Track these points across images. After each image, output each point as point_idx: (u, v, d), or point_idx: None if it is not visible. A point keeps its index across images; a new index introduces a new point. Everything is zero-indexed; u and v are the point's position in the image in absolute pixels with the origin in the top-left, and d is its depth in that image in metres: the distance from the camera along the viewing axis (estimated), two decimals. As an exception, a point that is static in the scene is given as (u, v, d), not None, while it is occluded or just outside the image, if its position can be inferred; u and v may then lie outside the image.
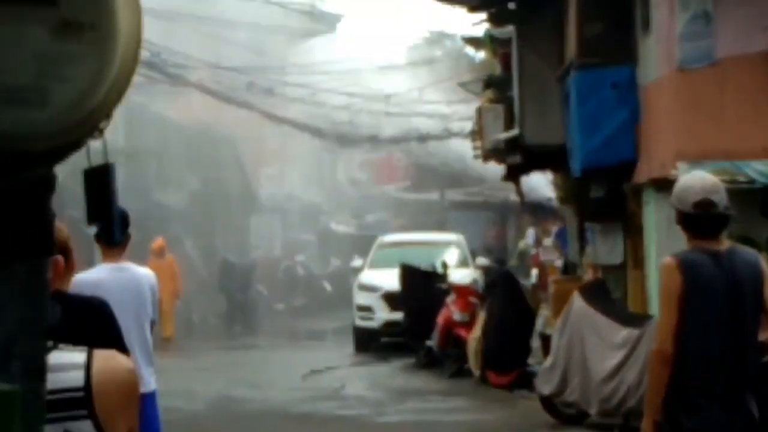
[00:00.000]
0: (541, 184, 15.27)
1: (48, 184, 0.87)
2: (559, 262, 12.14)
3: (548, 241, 12.87)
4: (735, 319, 3.32)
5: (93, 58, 0.79)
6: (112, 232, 1.05)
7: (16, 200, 0.82)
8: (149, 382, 4.71)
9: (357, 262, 16.26)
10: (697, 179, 3.52)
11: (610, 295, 8.59)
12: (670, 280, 3.33)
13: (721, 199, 3.32)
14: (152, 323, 4.87)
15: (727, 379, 3.29)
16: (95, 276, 4.59)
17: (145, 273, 4.93)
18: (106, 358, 1.61)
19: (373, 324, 14.15)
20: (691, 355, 3.27)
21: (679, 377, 3.24)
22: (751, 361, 3.41)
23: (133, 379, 1.67)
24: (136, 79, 0.96)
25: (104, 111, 0.83)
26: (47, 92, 0.77)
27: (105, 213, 0.99)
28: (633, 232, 9.05)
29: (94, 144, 0.90)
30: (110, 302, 4.44)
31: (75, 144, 0.84)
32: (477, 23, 12.19)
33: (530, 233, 15.59)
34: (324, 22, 24.94)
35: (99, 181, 0.96)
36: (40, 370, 0.92)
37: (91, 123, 0.82)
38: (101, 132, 0.87)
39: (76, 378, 1.48)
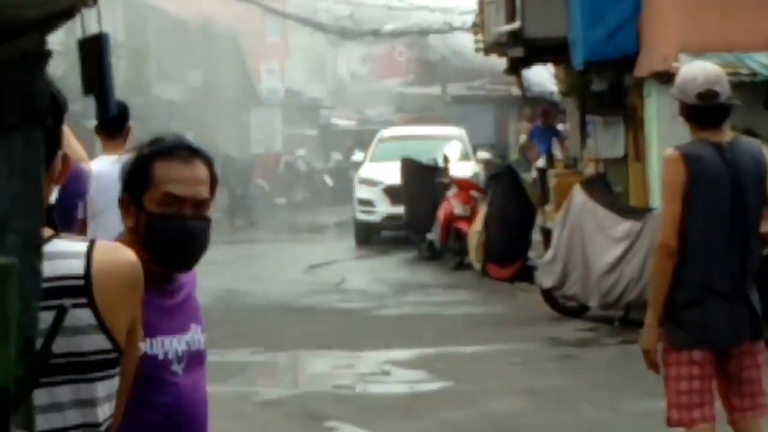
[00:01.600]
0: (545, 77, 14.87)
1: (41, 53, 0.84)
2: (560, 156, 11.97)
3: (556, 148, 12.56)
4: (738, 211, 3.23)
5: None
6: (107, 103, 0.91)
7: (8, 70, 0.79)
8: None
9: (358, 156, 16.07)
10: (698, 69, 3.38)
11: (611, 189, 8.52)
12: (674, 173, 3.23)
13: (724, 89, 3.22)
14: None
15: (730, 272, 3.22)
16: (96, 168, 4.46)
17: None
18: (109, 249, 1.55)
19: (374, 218, 14.02)
20: (694, 247, 3.19)
21: (682, 270, 3.17)
22: (752, 253, 3.34)
23: (136, 271, 1.56)
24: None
25: None
26: None
27: (99, 83, 0.97)
28: (634, 125, 8.90)
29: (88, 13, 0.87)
30: (111, 195, 4.38)
31: (67, 11, 0.80)
32: None
33: (527, 127, 15.35)
34: None
35: (93, 51, 0.96)
36: (36, 244, 0.89)
37: None
38: (95, 1, 0.85)
39: (76, 266, 1.42)
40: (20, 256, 0.82)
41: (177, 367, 1.92)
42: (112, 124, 4.47)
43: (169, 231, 1.94)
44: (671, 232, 3.19)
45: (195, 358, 1.96)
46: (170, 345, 1.91)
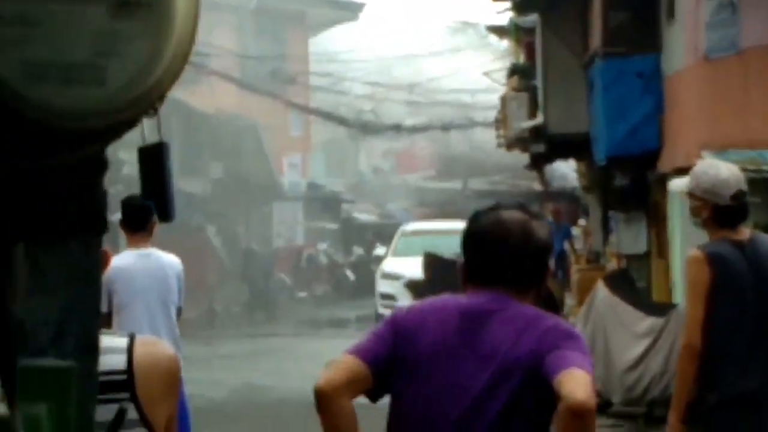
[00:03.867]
0: (567, 172, 15.01)
1: (102, 162, 0.89)
2: (582, 251, 11.90)
3: (576, 235, 12.56)
4: (761, 311, 3.20)
5: (149, 36, 0.78)
6: (167, 210, 0.97)
7: (72, 177, 0.83)
8: None
9: (380, 250, 16.29)
10: (725, 171, 3.34)
11: (634, 284, 8.38)
12: (699, 273, 3.22)
13: (742, 186, 3.27)
14: (179, 310, 4.75)
15: (758, 375, 3.15)
16: (121, 262, 4.46)
17: (170, 259, 4.76)
18: (148, 344, 1.60)
19: None
20: (718, 349, 3.15)
21: (705, 371, 3.13)
22: None
23: (175, 366, 1.60)
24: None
25: (160, 90, 0.82)
26: (104, 70, 0.77)
27: (160, 190, 0.97)
28: (657, 221, 8.82)
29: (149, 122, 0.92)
30: (136, 288, 4.36)
31: (130, 122, 0.83)
32: (501, 12, 12.00)
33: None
34: (347, 9, 24.79)
35: (153, 159, 0.97)
36: (93, 347, 0.91)
37: (147, 102, 0.82)
38: (156, 111, 0.87)
39: (119, 361, 1.45)
40: (78, 360, 0.84)
41: None
42: (137, 218, 4.42)
43: None
44: (696, 332, 3.16)
45: None
46: None
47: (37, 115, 0.75)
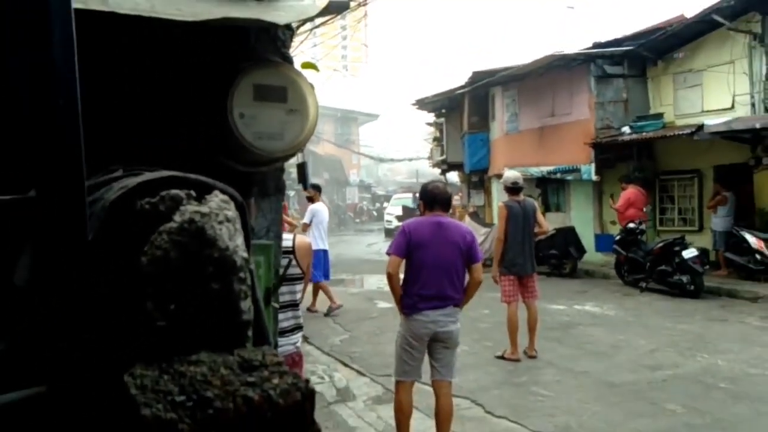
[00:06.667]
0: (455, 177, 25.52)
1: (282, 168, 1.84)
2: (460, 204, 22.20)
3: (456, 200, 21.69)
4: (524, 227, 7.20)
5: (300, 122, 1.65)
6: (306, 186, 2.33)
7: (273, 175, 1.79)
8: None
9: (386, 205, 35.26)
10: (512, 174, 7.59)
11: (479, 216, 18.66)
12: (501, 211, 7.29)
13: (520, 180, 7.41)
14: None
15: (522, 247, 7.19)
16: (315, 207, 10.27)
17: (325, 208, 10.74)
18: (300, 237, 4.05)
19: (392, 227, 28.25)
20: (509, 240, 7.16)
21: (507, 247, 7.16)
22: (529, 242, 7.25)
23: (309, 245, 4.12)
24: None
25: (303, 144, 1.69)
26: (283, 136, 1.63)
27: (304, 180, 2.19)
28: (488, 193, 20.22)
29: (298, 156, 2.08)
30: (319, 218, 10.34)
31: (292, 155, 1.71)
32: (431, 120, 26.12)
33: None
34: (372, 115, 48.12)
35: (301, 168, 2.14)
36: (279, 237, 1.94)
37: (298, 149, 1.69)
38: (302, 152, 1.86)
39: (289, 242, 3.72)
40: (275, 242, 1.82)
41: None
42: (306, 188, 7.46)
43: None
44: (501, 234, 7.23)
45: None
46: None
47: (257, 152, 1.60)
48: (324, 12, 1.48)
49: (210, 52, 1.46)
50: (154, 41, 1.35)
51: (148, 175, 0.81)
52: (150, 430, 0.50)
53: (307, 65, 1.84)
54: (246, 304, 0.72)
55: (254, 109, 1.52)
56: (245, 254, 0.74)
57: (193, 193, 0.78)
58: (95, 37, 1.22)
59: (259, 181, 1.70)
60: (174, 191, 0.77)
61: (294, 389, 0.57)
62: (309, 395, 0.58)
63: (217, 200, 0.78)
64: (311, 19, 1.53)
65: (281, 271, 2.16)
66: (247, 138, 1.51)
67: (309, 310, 10.05)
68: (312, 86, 1.59)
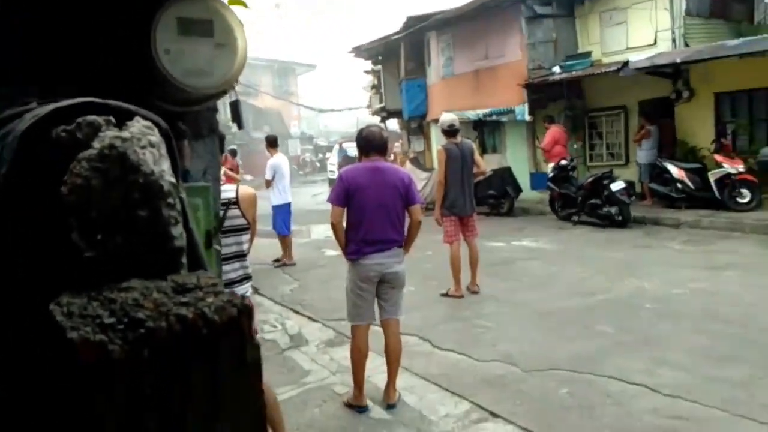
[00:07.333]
0: (395, 124, 25.06)
1: (215, 108, 1.76)
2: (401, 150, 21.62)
3: (397, 147, 21.93)
4: (463, 168, 7.30)
5: (229, 56, 1.54)
6: (240, 125, 2.16)
7: (203, 113, 1.70)
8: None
9: (329, 154, 31.37)
10: (448, 116, 7.56)
11: (419, 161, 18.69)
12: (440, 154, 7.35)
13: (456, 123, 7.43)
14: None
15: (462, 189, 7.29)
16: (275, 160, 10.11)
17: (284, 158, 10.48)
18: (243, 187, 3.91)
19: (333, 176, 28.14)
20: (449, 181, 7.24)
21: (447, 189, 7.28)
22: (468, 183, 7.38)
23: (253, 196, 3.94)
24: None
25: (232, 81, 1.59)
26: (212, 72, 1.52)
27: (237, 119, 2.08)
28: (427, 138, 20.66)
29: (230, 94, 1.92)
30: (283, 171, 10.17)
31: (222, 93, 1.61)
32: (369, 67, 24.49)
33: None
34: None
35: (234, 106, 2.06)
36: (218, 179, 1.85)
37: (229, 86, 1.59)
38: (233, 89, 1.79)
39: (232, 193, 3.80)
40: (212, 185, 1.75)
41: None
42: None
43: None
44: (441, 177, 7.31)
45: None
46: None
47: (186, 89, 1.48)
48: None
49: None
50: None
51: (63, 102, 0.75)
52: (80, 354, 0.48)
53: (235, 1, 1.72)
54: (177, 230, 0.69)
55: (180, 44, 1.43)
56: (173, 179, 0.70)
57: (112, 119, 0.73)
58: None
59: (192, 121, 1.61)
60: (92, 117, 0.72)
61: (229, 306, 0.55)
62: (245, 311, 0.56)
63: (139, 125, 0.73)
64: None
65: (221, 214, 2.08)
66: (175, 75, 1.42)
67: (285, 264, 9.95)
68: (239, 20, 1.51)
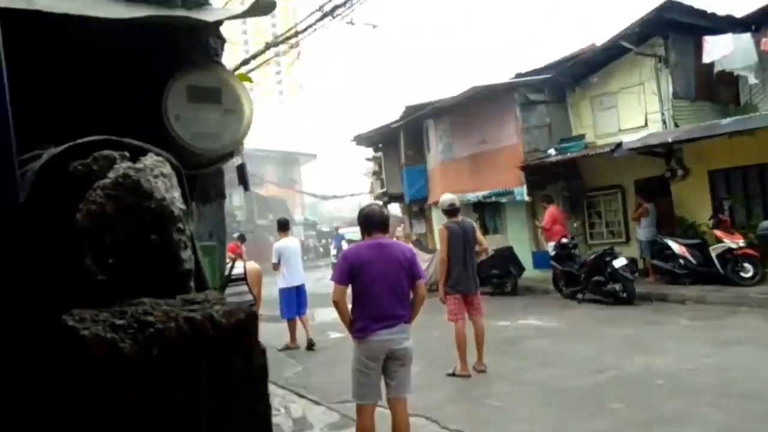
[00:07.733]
0: (397, 208, 26.26)
1: (222, 173, 1.87)
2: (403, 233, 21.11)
3: (399, 231, 21.79)
4: (465, 246, 7.33)
5: (236, 121, 1.67)
6: (247, 187, 2.33)
7: (211, 176, 1.78)
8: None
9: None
10: (448, 197, 7.71)
11: (422, 243, 18.98)
12: (443, 234, 7.39)
13: (456, 202, 7.60)
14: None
15: (465, 266, 7.31)
16: (282, 243, 10.21)
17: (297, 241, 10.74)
18: (251, 264, 7.27)
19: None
20: (452, 259, 7.28)
21: (450, 267, 7.28)
22: (471, 260, 7.41)
23: (259, 272, 7.36)
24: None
25: (239, 145, 1.72)
26: (220, 135, 1.65)
27: (244, 182, 2.21)
28: (428, 221, 20.90)
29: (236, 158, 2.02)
30: (290, 251, 10.31)
31: (230, 156, 1.76)
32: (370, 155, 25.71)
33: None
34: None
35: (241, 169, 2.12)
36: (222, 242, 2.03)
37: (236, 147, 1.71)
38: (239, 152, 1.92)
39: (241, 269, 6.98)
40: (218, 245, 1.92)
41: None
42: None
43: None
44: (444, 256, 7.33)
45: None
46: None
47: (195, 151, 1.66)
48: (251, 11, 1.48)
49: (142, 59, 1.45)
50: (86, 45, 1.34)
51: (79, 140, 0.79)
52: (92, 352, 0.48)
53: (242, 77, 1.86)
54: (186, 254, 0.71)
55: (190, 111, 1.53)
56: (183, 206, 0.73)
57: (126, 153, 0.77)
58: (25, 38, 1.19)
59: (200, 185, 1.68)
60: (107, 151, 0.75)
61: (237, 311, 0.56)
62: (252, 316, 0.57)
63: (152, 159, 0.77)
64: (239, 17, 1.53)
65: (226, 271, 2.22)
66: (185, 139, 1.51)
67: (289, 347, 9.78)
68: (245, 87, 1.60)
